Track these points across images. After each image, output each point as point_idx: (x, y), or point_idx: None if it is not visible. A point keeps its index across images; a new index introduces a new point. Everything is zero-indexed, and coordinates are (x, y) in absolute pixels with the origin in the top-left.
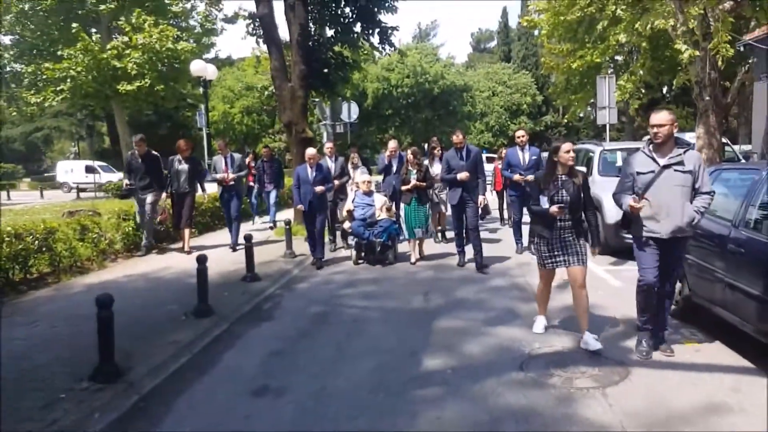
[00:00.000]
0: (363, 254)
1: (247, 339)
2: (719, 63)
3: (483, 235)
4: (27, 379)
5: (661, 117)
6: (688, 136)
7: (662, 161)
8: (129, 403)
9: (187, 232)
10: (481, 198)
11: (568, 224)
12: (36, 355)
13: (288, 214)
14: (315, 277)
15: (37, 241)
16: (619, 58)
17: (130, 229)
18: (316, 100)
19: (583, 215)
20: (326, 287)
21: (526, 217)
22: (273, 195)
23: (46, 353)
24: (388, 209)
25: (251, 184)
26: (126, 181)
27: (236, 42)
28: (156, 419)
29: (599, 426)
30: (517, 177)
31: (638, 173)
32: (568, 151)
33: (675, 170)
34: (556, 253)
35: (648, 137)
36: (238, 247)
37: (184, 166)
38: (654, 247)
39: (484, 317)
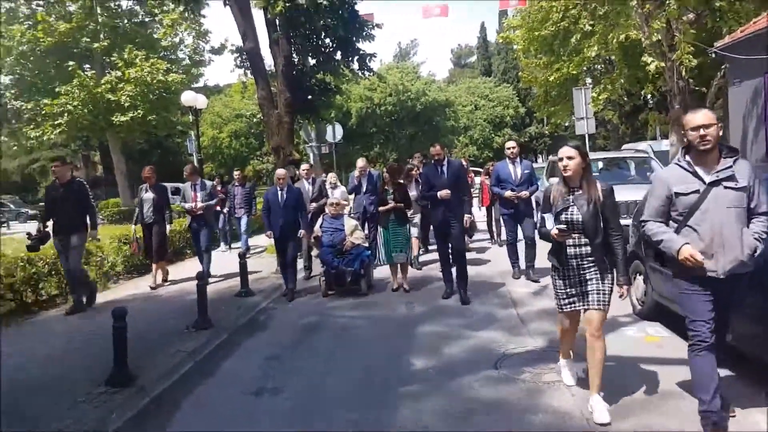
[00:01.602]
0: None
1: (245, 347)
2: (683, 73)
3: (470, 255)
4: (52, 386)
5: (702, 116)
6: (665, 144)
7: (708, 177)
8: (142, 404)
9: (156, 266)
10: (466, 217)
11: (586, 251)
12: (56, 366)
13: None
14: (305, 291)
15: (47, 266)
16: (599, 67)
17: (131, 252)
18: (302, 122)
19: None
20: (316, 300)
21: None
22: (244, 221)
23: (64, 364)
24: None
25: (218, 208)
26: (38, 225)
27: (223, 69)
28: (167, 417)
29: (562, 413)
30: (508, 194)
31: (677, 194)
32: (561, 159)
33: (726, 187)
34: (570, 290)
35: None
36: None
37: (149, 195)
38: (707, 292)
39: (465, 323)
